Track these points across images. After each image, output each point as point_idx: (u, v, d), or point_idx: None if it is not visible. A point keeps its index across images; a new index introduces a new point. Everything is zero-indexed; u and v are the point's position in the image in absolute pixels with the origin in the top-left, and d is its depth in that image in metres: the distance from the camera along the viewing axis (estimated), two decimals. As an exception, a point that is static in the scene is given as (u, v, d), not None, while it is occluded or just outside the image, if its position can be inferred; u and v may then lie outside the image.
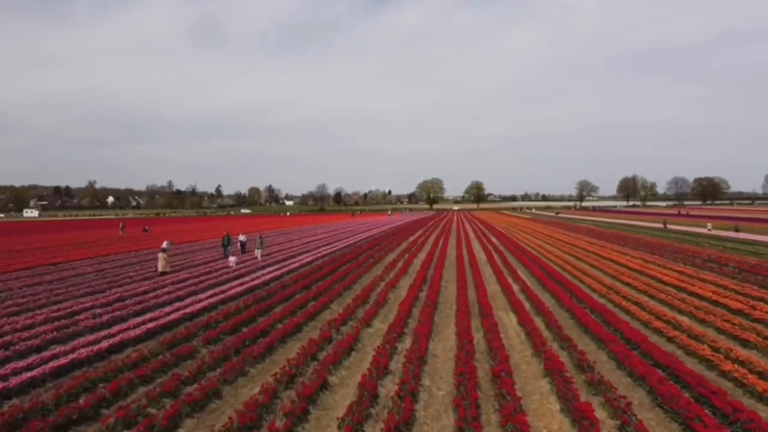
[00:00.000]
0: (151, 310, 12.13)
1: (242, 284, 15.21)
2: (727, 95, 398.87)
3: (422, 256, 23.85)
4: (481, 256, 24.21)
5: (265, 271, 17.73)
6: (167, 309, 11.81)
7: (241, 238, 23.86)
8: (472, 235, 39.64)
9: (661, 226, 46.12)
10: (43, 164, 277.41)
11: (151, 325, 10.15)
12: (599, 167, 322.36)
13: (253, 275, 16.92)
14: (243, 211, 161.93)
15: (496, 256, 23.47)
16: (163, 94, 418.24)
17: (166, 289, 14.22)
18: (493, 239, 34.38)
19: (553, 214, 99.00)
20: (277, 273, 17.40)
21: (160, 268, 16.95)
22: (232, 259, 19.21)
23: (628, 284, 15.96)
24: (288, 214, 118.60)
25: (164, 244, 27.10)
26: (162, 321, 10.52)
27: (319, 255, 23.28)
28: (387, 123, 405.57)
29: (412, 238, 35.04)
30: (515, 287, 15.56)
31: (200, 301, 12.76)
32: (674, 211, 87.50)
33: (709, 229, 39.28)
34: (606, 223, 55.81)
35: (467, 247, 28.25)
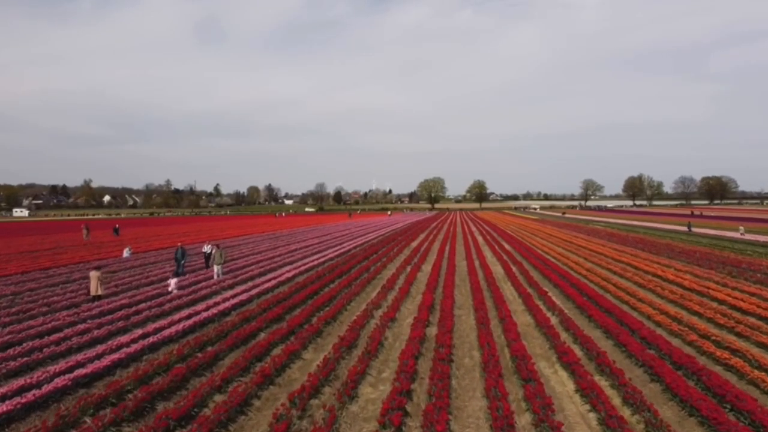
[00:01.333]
0: (41, 364, 8.46)
1: (190, 316, 11.44)
2: (732, 94, 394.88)
3: (427, 268, 20.07)
4: (496, 268, 20.42)
5: (227, 294, 13.91)
6: (60, 365, 8.06)
7: (206, 249, 19.58)
8: (480, 239, 35.84)
9: (684, 229, 42.30)
10: (42, 163, 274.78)
11: (4, 407, 6.40)
12: (602, 167, 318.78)
13: (209, 301, 13.10)
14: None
15: (514, 269, 19.70)
16: (163, 92, 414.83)
17: (83, 326, 10.48)
18: (506, 245, 30.54)
19: (560, 214, 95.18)
20: (244, 297, 13.58)
21: (92, 291, 13.23)
22: (172, 281, 14.72)
23: (697, 314, 12.18)
24: (284, 214, 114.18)
25: (125, 253, 23.48)
26: (30, 396, 6.74)
27: (303, 268, 19.49)
28: (387, 122, 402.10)
29: (414, 244, 31.22)
30: (553, 319, 11.79)
31: (119, 348, 9.02)
32: (687, 211, 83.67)
33: (742, 233, 35.53)
34: (622, 225, 51.93)
35: (478, 255, 24.48)
